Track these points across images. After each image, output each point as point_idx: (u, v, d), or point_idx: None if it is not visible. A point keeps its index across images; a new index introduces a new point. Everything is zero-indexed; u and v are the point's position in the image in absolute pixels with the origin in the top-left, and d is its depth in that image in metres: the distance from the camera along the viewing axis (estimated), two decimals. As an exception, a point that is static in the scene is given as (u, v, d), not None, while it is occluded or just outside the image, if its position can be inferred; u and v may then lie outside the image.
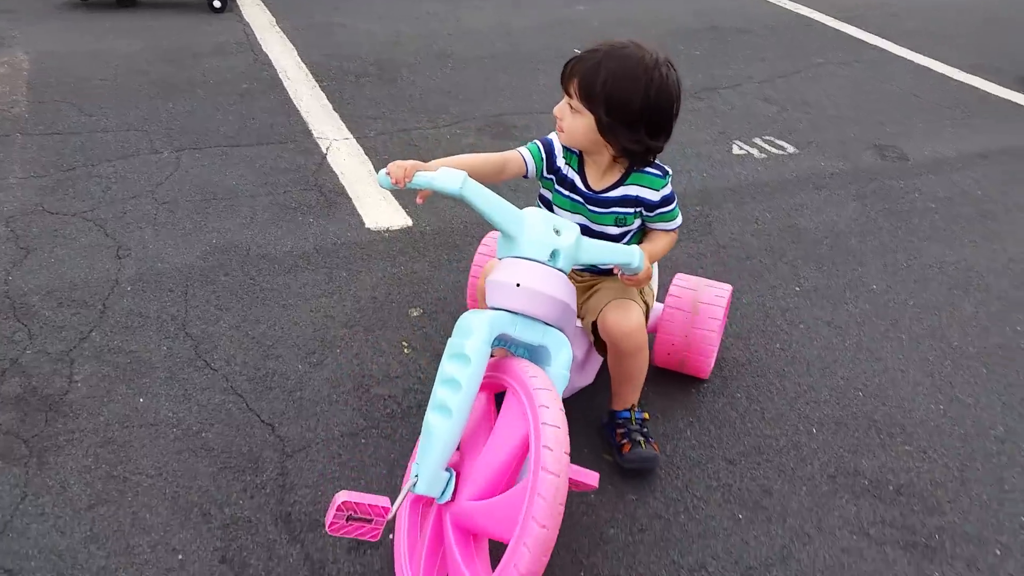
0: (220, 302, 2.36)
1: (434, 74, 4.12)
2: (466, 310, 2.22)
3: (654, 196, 1.81)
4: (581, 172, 1.83)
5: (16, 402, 1.96)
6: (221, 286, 2.43)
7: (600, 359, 2.07)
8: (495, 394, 1.65)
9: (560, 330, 1.61)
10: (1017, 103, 4.28)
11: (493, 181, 1.73)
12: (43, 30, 4.36)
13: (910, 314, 2.54)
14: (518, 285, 1.55)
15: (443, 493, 1.46)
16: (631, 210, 1.83)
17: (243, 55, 4.18)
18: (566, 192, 1.85)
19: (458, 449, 1.53)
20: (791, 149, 3.58)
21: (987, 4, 6.15)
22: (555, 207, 1.87)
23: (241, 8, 4.90)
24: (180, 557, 1.63)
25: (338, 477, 1.82)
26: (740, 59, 4.61)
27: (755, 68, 4.48)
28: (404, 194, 2.88)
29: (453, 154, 1.88)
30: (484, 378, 1.52)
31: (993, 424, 2.12)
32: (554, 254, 1.59)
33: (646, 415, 1.94)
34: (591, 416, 2.00)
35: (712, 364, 2.13)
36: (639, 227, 1.88)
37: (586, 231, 1.78)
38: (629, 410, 1.92)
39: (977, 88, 4.44)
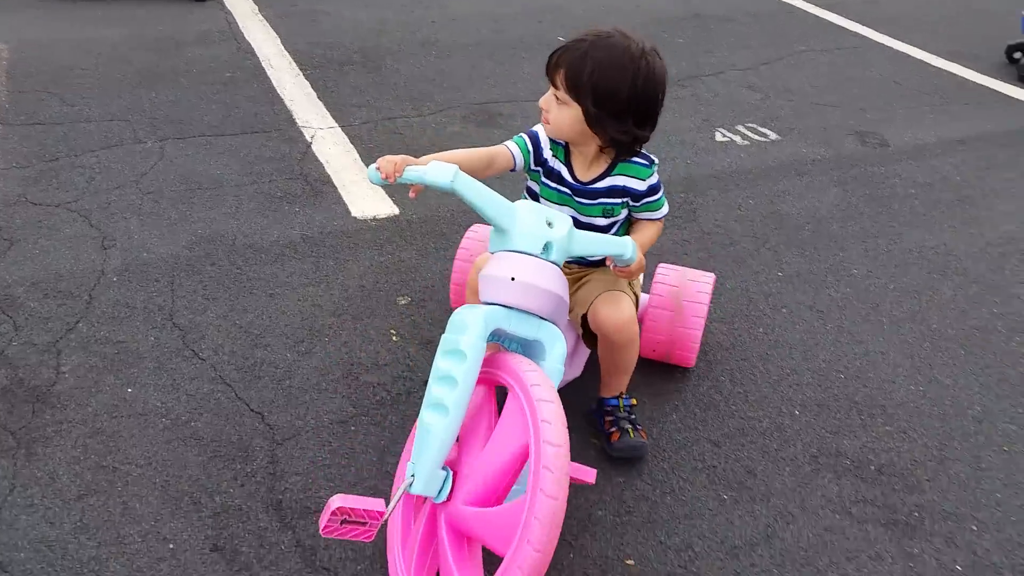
0: (207, 292, 2.36)
1: (419, 62, 4.10)
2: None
3: (641, 186, 1.82)
4: (568, 163, 1.83)
5: (3, 394, 1.96)
6: (208, 276, 2.43)
7: (588, 351, 2.07)
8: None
9: (554, 324, 1.61)
10: (994, 89, 4.33)
11: (481, 176, 1.72)
12: (23, 18, 4.30)
13: (890, 298, 2.58)
14: (512, 279, 1.53)
15: (440, 492, 1.45)
16: (618, 200, 1.83)
17: (226, 44, 4.15)
18: (553, 184, 1.85)
19: (456, 441, 1.51)
20: (774, 136, 3.61)
21: (967, -9, 6.20)
22: (542, 199, 1.87)
23: (222, -4, 4.86)
24: (171, 546, 1.64)
25: (328, 464, 1.83)
26: (723, 47, 4.63)
27: (738, 56, 4.50)
28: (390, 183, 2.88)
29: (438, 142, 1.89)
30: (480, 373, 1.49)
31: (971, 404, 2.17)
32: (547, 247, 1.57)
33: (634, 401, 1.96)
34: (579, 401, 2.01)
35: (696, 354, 2.15)
36: (625, 217, 1.89)
37: (575, 223, 1.77)
38: (617, 397, 1.93)
39: (955, 74, 4.49)
